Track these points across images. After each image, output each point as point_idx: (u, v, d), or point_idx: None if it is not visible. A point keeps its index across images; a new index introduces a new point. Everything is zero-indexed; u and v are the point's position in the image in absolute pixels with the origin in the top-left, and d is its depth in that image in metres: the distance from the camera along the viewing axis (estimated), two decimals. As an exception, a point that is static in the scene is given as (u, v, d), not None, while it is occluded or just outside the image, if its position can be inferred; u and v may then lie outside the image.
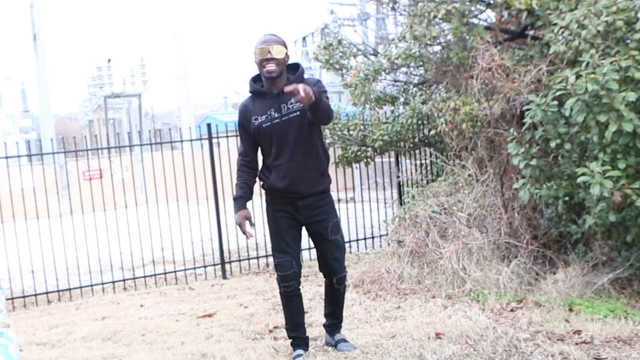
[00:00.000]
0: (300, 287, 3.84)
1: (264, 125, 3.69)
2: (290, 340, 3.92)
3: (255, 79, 3.83)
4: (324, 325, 4.10)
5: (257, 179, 3.85)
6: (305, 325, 3.99)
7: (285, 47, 3.69)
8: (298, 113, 3.65)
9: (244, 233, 3.74)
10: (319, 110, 3.50)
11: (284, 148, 3.66)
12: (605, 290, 4.77)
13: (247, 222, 3.75)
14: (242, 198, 3.77)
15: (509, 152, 5.18)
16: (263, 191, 3.88)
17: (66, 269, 7.41)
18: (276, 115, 3.67)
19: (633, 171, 4.49)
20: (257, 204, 8.51)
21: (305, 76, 3.82)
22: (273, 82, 3.67)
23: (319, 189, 3.76)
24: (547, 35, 5.30)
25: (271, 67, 3.60)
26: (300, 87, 3.31)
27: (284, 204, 3.75)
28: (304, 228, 3.83)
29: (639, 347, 3.70)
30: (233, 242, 8.76)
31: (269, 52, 3.59)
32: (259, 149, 3.81)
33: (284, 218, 3.76)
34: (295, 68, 3.82)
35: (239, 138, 3.93)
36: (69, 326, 5.52)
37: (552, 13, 5.28)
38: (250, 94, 3.84)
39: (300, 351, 3.84)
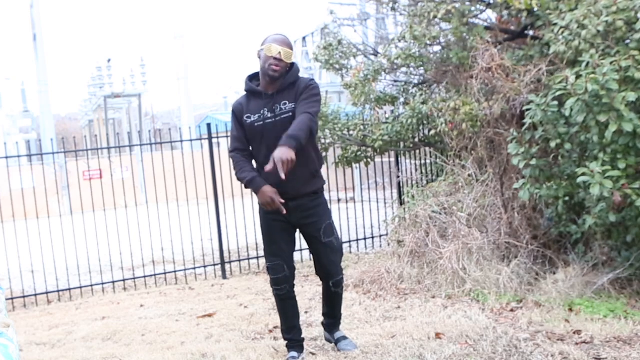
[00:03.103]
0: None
1: (255, 124, 3.68)
2: (286, 342, 3.91)
3: (252, 78, 3.82)
4: (322, 324, 4.11)
5: None
6: (302, 326, 3.99)
7: (292, 52, 3.70)
8: (290, 114, 3.63)
9: (279, 208, 3.56)
10: (303, 143, 3.47)
11: (274, 148, 3.55)
12: (605, 290, 4.77)
13: (276, 195, 3.57)
14: (258, 176, 3.64)
15: (509, 152, 5.18)
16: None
17: (66, 269, 7.41)
18: (269, 115, 3.67)
19: (633, 171, 4.49)
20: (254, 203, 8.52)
21: (301, 75, 3.78)
22: (272, 81, 3.66)
23: (310, 190, 3.70)
24: (547, 35, 5.30)
25: (277, 67, 3.61)
26: (277, 162, 3.27)
27: None
28: (298, 231, 3.80)
29: (639, 347, 3.70)
30: (233, 242, 8.76)
31: (280, 53, 3.60)
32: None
33: (275, 221, 3.70)
34: (290, 66, 3.78)
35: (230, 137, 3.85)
36: (69, 326, 5.52)
37: (552, 13, 5.28)
38: (245, 93, 3.82)
39: (294, 353, 3.82)
